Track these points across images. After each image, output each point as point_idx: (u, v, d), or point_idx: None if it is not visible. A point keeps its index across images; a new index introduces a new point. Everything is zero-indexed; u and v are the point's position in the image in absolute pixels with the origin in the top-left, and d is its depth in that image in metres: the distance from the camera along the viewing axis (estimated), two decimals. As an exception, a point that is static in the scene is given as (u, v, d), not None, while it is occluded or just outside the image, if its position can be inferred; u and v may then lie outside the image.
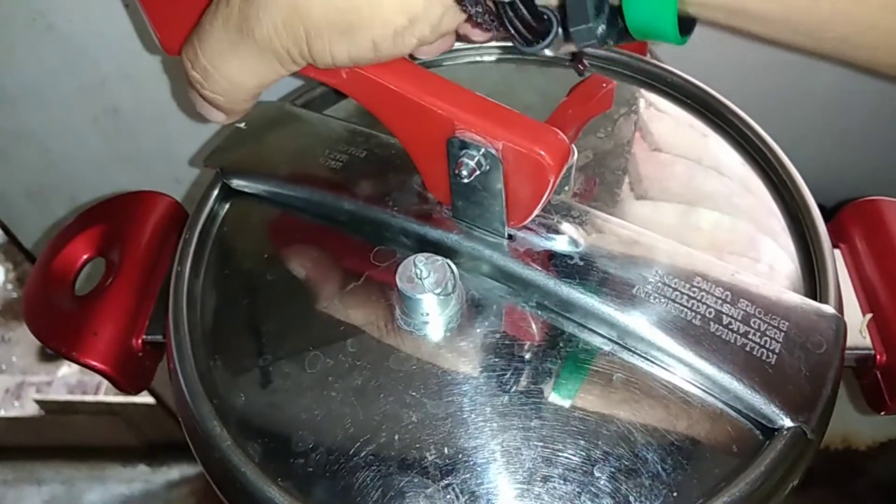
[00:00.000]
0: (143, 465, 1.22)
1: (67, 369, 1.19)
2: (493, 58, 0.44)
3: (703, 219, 0.34)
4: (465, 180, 0.28)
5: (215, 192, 0.37)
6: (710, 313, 0.29)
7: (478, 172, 0.28)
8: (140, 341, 0.37)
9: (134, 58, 0.47)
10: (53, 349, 0.36)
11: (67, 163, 0.55)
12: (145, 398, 1.03)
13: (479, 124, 0.28)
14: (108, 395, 1.14)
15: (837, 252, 0.37)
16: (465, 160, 0.28)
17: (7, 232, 0.62)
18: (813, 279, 0.33)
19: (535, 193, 0.29)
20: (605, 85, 0.36)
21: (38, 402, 1.12)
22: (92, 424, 1.17)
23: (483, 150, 0.28)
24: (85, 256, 0.40)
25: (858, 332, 0.34)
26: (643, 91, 0.41)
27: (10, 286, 1.28)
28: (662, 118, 0.39)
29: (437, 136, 0.29)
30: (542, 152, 0.27)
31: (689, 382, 0.29)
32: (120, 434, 1.18)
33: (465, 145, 0.28)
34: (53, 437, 1.20)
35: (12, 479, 1.18)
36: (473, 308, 0.31)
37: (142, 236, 0.40)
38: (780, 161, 0.36)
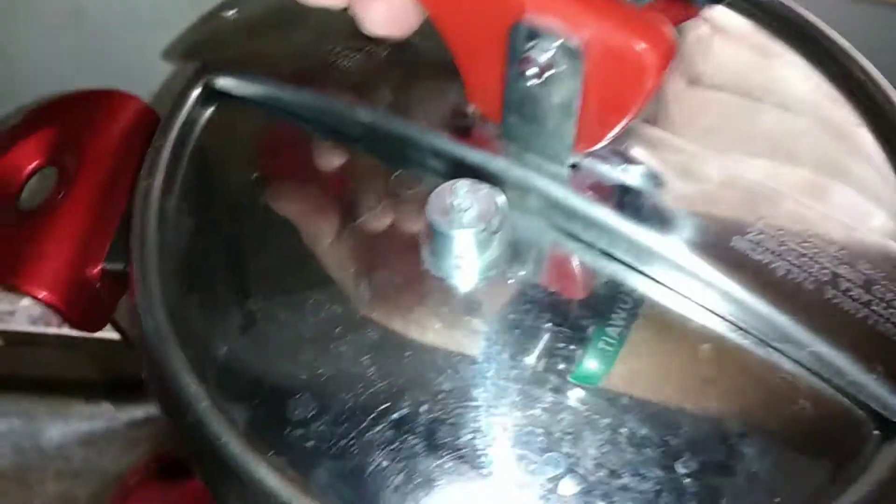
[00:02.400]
0: (107, 402, 1.16)
1: (30, 300, 1.11)
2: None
3: (798, 160, 0.28)
4: (530, 84, 0.21)
5: (195, 93, 0.30)
6: (824, 275, 0.23)
7: (549, 74, 0.21)
8: (98, 270, 0.30)
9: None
10: (-12, 274, 0.29)
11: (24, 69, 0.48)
12: (110, 333, 0.97)
13: (559, 6, 0.21)
14: (73, 328, 1.07)
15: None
16: (534, 56, 0.21)
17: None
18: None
19: (622, 105, 0.22)
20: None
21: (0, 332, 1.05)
22: (55, 358, 1.11)
23: (560, 42, 0.21)
24: (33, 164, 0.32)
25: None
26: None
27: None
28: (751, 46, 0.32)
29: (496, 22, 0.22)
30: (643, 47, 0.20)
31: (794, 361, 0.23)
32: (84, 369, 1.12)
33: (534, 35, 0.21)
34: (14, 369, 1.13)
35: (-31, 410, 1.11)
36: (519, 252, 0.25)
37: (104, 143, 0.33)
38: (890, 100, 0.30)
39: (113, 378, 1.10)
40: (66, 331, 1.05)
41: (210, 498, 0.25)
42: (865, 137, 0.29)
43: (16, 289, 0.29)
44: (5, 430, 1.15)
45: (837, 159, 0.27)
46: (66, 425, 1.16)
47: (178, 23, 0.40)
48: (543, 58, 0.21)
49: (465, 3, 0.23)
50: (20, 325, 1.07)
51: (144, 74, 0.39)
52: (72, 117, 0.33)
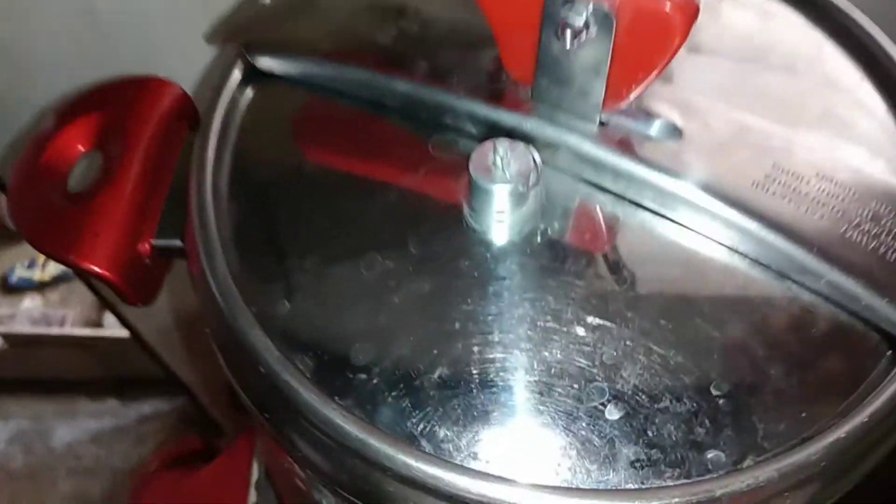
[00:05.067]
0: (114, 399, 1.17)
1: (30, 302, 1.12)
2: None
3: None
4: (568, 47, 0.23)
5: (237, 74, 0.31)
6: (836, 212, 0.25)
7: (583, 38, 0.23)
8: (148, 245, 0.32)
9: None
10: (49, 253, 0.31)
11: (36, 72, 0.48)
12: (116, 331, 0.98)
13: (592, -28, 0.23)
14: (74, 327, 1.08)
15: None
16: (571, 21, 0.23)
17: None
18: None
19: (650, 63, 0.24)
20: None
21: (2, 335, 1.06)
22: (59, 358, 1.12)
23: (593, 6, 0.23)
24: (80, 148, 0.34)
25: None
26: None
27: (-32, 213, 1.20)
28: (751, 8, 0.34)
29: (531, -9, 0.24)
30: (671, 6, 0.22)
31: (812, 291, 0.25)
32: (88, 368, 1.13)
33: (570, 0, 0.23)
34: (19, 371, 1.14)
35: (-23, 415, 1.12)
36: (552, 206, 0.27)
37: (146, 127, 0.34)
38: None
39: (118, 376, 1.11)
40: (68, 331, 1.06)
41: (225, 484, 0.26)
42: (868, 92, 0.31)
43: (75, 265, 0.31)
44: (15, 431, 1.16)
45: (842, 114, 0.30)
46: (74, 424, 1.17)
47: (189, 16, 0.42)
48: (578, 22, 0.23)
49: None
50: (22, 326, 1.08)
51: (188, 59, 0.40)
52: (114, 103, 0.35)
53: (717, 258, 0.26)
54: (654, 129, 0.27)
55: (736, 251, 0.26)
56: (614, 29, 0.23)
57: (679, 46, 0.23)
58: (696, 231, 0.26)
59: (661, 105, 0.27)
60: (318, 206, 0.28)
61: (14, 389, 1.15)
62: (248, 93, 0.32)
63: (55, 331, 1.06)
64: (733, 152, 0.26)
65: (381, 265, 0.26)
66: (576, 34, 0.23)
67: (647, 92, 0.27)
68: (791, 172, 0.26)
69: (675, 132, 0.27)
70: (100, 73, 0.42)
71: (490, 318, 0.25)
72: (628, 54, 0.24)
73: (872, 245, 0.25)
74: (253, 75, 0.32)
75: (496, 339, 0.24)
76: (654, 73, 0.24)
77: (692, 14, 0.23)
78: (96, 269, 0.31)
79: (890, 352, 0.24)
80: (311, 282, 0.26)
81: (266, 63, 0.31)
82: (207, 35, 0.39)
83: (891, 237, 0.25)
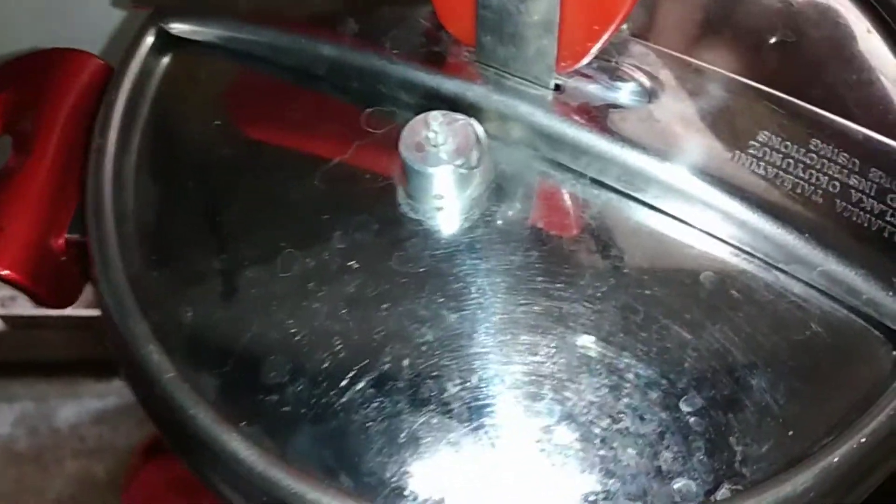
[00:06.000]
0: (118, 379, 1.15)
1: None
2: None
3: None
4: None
5: (149, 41, 0.28)
6: (833, 187, 0.21)
7: (522, -15, 0.19)
8: (62, 241, 0.29)
9: None
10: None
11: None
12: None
13: None
14: (75, 308, 1.06)
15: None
16: (503, -37, 0.19)
17: None
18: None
19: (607, 13, 0.20)
20: None
21: (2, 317, 1.04)
22: (61, 339, 1.11)
23: (531, -56, 0.19)
24: (-15, 132, 0.31)
25: None
26: None
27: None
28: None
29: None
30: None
31: (804, 283, 0.21)
32: (91, 349, 1.11)
33: (502, -61, 0.19)
34: (22, 353, 1.13)
35: (-19, 397, 1.12)
36: (504, 188, 0.23)
37: (61, 105, 0.31)
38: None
39: (121, 355, 1.10)
40: (70, 311, 1.04)
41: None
42: (876, 42, 0.27)
43: (-26, 267, 0.27)
44: (19, 413, 1.16)
45: (840, 72, 0.25)
46: (78, 405, 1.16)
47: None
48: (513, -35, 0.19)
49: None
50: (23, 309, 1.07)
51: (93, 27, 0.36)
52: (24, 80, 0.31)
53: (694, 245, 0.22)
54: (619, 93, 0.23)
55: (715, 237, 0.22)
56: (560, -26, 0.19)
57: (636, -5, 0.19)
58: (669, 214, 0.22)
59: (629, 62, 0.23)
60: (235, 194, 0.24)
61: (18, 372, 1.14)
62: (162, 62, 0.28)
63: (56, 312, 1.05)
64: (715, 119, 0.22)
65: (301, 264, 0.22)
66: (514, -18, 0.19)
67: (610, 48, 0.23)
68: (783, 140, 0.22)
69: (643, 96, 0.22)
70: (31, 33, 0.38)
71: (425, 325, 0.21)
72: (579, 6, 0.20)
73: (876, 226, 0.21)
74: (167, 42, 0.28)
75: (431, 350, 0.21)
76: (613, 24, 0.20)
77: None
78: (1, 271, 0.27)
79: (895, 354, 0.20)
80: (220, 285, 0.22)
81: (180, 28, 0.27)
82: (115, -2, 0.35)
83: (899, 217, 0.21)
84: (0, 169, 0.29)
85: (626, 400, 0.20)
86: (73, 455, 1.13)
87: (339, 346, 0.21)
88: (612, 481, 0.19)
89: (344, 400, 0.20)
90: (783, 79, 0.24)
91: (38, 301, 0.29)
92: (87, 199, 0.24)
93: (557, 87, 0.23)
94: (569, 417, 0.19)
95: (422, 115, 0.22)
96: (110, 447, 1.11)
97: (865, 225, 0.21)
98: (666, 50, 0.24)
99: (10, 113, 0.31)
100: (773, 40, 0.26)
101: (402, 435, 0.20)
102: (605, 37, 0.21)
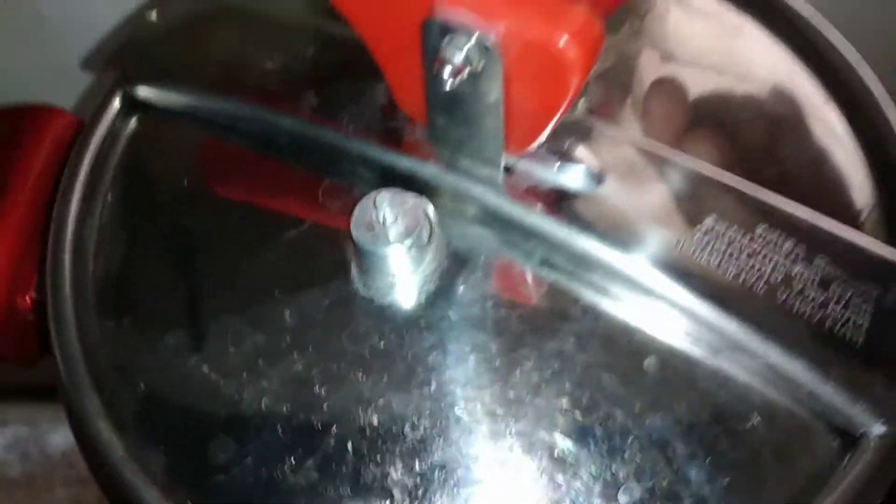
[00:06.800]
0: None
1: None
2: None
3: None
4: (448, 85, 0.20)
5: (115, 104, 0.28)
6: (776, 277, 0.21)
7: (466, 73, 0.20)
8: (29, 299, 0.29)
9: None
10: None
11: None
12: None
13: (470, -1, 0.19)
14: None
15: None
16: (448, 54, 0.19)
17: None
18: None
19: (549, 105, 0.20)
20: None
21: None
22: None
23: (474, 38, 0.19)
24: (-46, 187, 0.31)
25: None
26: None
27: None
28: (707, 18, 0.30)
29: (409, 18, 0.20)
30: (564, 41, 0.18)
31: (747, 371, 0.21)
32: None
33: (448, 30, 0.19)
34: (14, 378, 1.13)
35: (-29, 422, 1.11)
36: (456, 266, 0.23)
37: (33, 162, 0.31)
38: (860, 80, 0.27)
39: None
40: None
41: None
42: (830, 113, 0.27)
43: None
44: (11, 438, 1.15)
45: (797, 151, 0.25)
46: (69, 431, 1.16)
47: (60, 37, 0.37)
48: (458, 57, 0.19)
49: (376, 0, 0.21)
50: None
51: (65, 86, 0.36)
52: (-5, 135, 0.32)
53: (639, 329, 0.22)
54: (569, 175, 0.23)
55: (659, 322, 0.22)
56: (501, 64, 0.19)
57: (579, 85, 0.19)
58: (615, 297, 0.22)
59: (579, 145, 0.23)
60: (189, 266, 0.25)
61: (11, 396, 1.14)
62: (128, 126, 0.28)
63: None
64: (662, 203, 0.22)
65: (252, 340, 0.22)
66: (458, 70, 0.19)
67: (563, 128, 0.23)
68: (729, 225, 0.22)
69: (593, 179, 0.23)
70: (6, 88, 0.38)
71: (370, 407, 0.21)
72: (524, 93, 0.20)
73: (818, 317, 0.21)
74: (133, 106, 0.28)
75: (379, 432, 0.21)
76: (556, 115, 0.21)
77: (591, 47, 0.19)
78: (-39, 329, 0.28)
79: (836, 444, 0.20)
80: (171, 359, 0.23)
81: (145, 92, 0.28)
82: (83, 60, 0.36)
83: (840, 306, 0.21)
84: (-31, 225, 0.30)
85: (565, 488, 0.20)
86: (65, 482, 1.13)
87: (285, 427, 0.21)
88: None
89: (290, 483, 0.20)
90: (737, 160, 0.25)
91: (2, 358, 0.29)
92: (46, 269, 0.24)
93: (508, 169, 0.23)
94: (508, 506, 0.20)
95: (371, 194, 0.22)
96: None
97: (807, 315, 0.21)
98: (618, 130, 0.24)
99: (-19, 169, 0.31)
100: (729, 119, 0.26)
101: (346, 520, 0.20)
102: (549, 127, 0.21)
